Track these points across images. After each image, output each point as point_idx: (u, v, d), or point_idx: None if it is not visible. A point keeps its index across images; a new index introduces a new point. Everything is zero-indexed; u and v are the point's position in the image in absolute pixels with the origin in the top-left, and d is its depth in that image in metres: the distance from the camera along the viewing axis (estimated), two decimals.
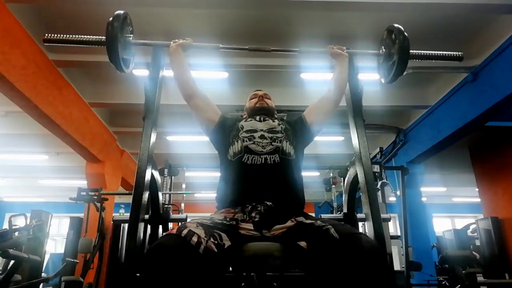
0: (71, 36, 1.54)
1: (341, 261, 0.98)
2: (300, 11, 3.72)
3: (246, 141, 1.41)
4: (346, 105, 1.61)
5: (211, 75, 4.74)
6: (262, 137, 1.42)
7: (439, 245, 6.29)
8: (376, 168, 4.47)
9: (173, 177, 5.25)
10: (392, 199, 7.12)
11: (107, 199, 4.37)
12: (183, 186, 6.00)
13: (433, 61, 1.63)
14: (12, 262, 3.17)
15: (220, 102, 5.03)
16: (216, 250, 1.04)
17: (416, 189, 6.13)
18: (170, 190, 5.16)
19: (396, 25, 1.50)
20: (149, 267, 0.96)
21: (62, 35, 1.53)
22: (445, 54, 1.60)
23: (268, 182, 1.32)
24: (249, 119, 1.59)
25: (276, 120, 1.57)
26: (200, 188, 8.11)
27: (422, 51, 1.59)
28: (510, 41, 3.82)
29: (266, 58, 4.42)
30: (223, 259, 1.07)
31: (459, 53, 1.59)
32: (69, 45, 1.54)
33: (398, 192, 5.30)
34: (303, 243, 1.09)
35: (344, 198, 1.71)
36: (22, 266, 3.32)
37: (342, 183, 5.31)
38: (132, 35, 1.56)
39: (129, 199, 1.24)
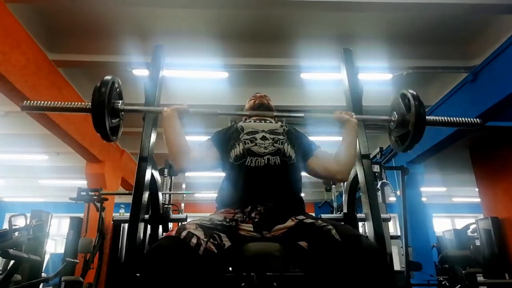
0: (53, 103, 1.34)
1: (342, 263, 0.99)
2: (301, 11, 3.72)
3: (248, 143, 1.40)
4: (346, 105, 1.61)
5: (211, 75, 4.73)
6: (263, 138, 1.41)
7: (439, 245, 6.30)
8: (376, 168, 4.46)
9: (173, 177, 5.25)
10: (392, 199, 7.12)
11: (107, 199, 4.37)
12: (183, 186, 5.99)
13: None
14: (12, 262, 3.17)
15: (220, 102, 5.07)
16: (216, 251, 1.03)
17: (416, 189, 6.12)
18: (170, 190, 5.15)
19: (410, 90, 1.37)
20: (148, 270, 0.96)
21: (42, 102, 1.32)
22: (464, 121, 1.46)
23: (270, 184, 1.31)
24: (248, 120, 1.58)
25: (278, 122, 1.56)
26: (200, 188, 8.09)
27: (439, 117, 1.43)
28: (510, 41, 3.82)
29: (266, 58, 4.41)
30: (223, 259, 1.07)
31: (478, 120, 1.46)
32: (48, 112, 1.34)
33: (398, 192, 5.30)
34: (303, 243, 1.09)
35: (344, 198, 1.71)
36: (22, 266, 3.32)
37: (342, 183, 5.31)
38: (121, 100, 1.39)
39: (129, 199, 1.24)
